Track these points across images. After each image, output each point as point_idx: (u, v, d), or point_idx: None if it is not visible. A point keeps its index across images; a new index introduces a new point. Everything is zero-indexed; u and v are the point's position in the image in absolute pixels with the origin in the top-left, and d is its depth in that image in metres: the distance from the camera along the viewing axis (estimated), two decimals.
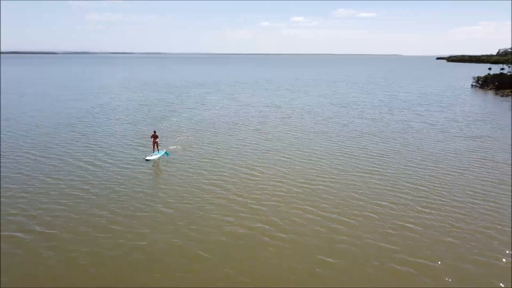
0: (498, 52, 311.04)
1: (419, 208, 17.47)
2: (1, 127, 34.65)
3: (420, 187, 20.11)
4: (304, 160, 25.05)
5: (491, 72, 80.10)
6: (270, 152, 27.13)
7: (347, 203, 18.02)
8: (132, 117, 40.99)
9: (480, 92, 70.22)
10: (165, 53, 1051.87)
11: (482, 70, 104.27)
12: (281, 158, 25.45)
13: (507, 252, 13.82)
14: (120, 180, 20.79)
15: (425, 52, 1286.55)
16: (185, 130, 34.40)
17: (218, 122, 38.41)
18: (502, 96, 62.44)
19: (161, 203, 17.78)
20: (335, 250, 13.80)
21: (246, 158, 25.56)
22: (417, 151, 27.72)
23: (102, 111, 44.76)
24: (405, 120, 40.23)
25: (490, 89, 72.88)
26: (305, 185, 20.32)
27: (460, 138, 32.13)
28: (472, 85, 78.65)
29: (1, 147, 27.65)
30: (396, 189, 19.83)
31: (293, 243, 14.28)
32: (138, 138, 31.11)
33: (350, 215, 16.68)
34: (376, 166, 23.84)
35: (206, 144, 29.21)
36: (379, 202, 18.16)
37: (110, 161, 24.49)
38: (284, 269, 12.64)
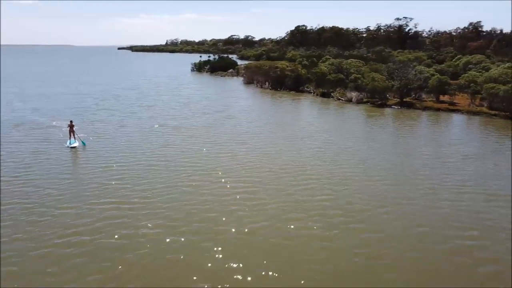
0: (166, 43, 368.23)
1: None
2: None
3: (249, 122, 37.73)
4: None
5: (202, 60, 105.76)
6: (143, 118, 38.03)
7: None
8: None
9: (201, 74, 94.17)
10: None
11: (180, 57, 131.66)
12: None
13: None
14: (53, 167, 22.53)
15: (98, 42, 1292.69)
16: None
17: (80, 108, 42.90)
18: (222, 76, 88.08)
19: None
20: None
21: (154, 133, 35.76)
22: (230, 108, 45.03)
23: None
24: (196, 94, 56.49)
25: (206, 72, 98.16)
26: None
27: (243, 98, 51.77)
28: (191, 70, 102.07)
29: None
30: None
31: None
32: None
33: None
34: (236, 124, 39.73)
35: (102, 124, 36.29)
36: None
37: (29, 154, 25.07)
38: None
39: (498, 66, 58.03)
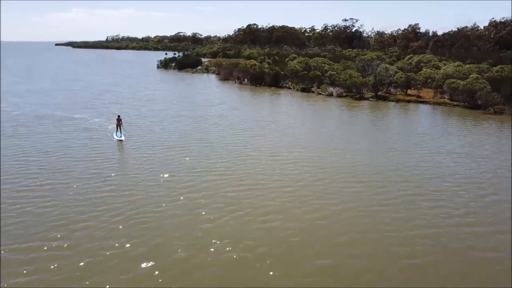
0: (107, 39, 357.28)
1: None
2: None
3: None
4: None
5: (167, 57, 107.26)
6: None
7: None
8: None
9: (167, 71, 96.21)
10: None
11: (131, 54, 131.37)
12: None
13: None
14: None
15: (30, 37, 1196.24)
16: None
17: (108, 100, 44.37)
18: (192, 73, 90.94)
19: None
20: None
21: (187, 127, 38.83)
22: (226, 101, 48.92)
23: None
24: (181, 89, 59.43)
25: (173, 68, 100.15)
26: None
27: (230, 93, 55.67)
28: (157, 67, 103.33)
29: None
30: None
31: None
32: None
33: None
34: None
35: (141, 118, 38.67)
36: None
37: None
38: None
39: (445, 64, 67.30)
